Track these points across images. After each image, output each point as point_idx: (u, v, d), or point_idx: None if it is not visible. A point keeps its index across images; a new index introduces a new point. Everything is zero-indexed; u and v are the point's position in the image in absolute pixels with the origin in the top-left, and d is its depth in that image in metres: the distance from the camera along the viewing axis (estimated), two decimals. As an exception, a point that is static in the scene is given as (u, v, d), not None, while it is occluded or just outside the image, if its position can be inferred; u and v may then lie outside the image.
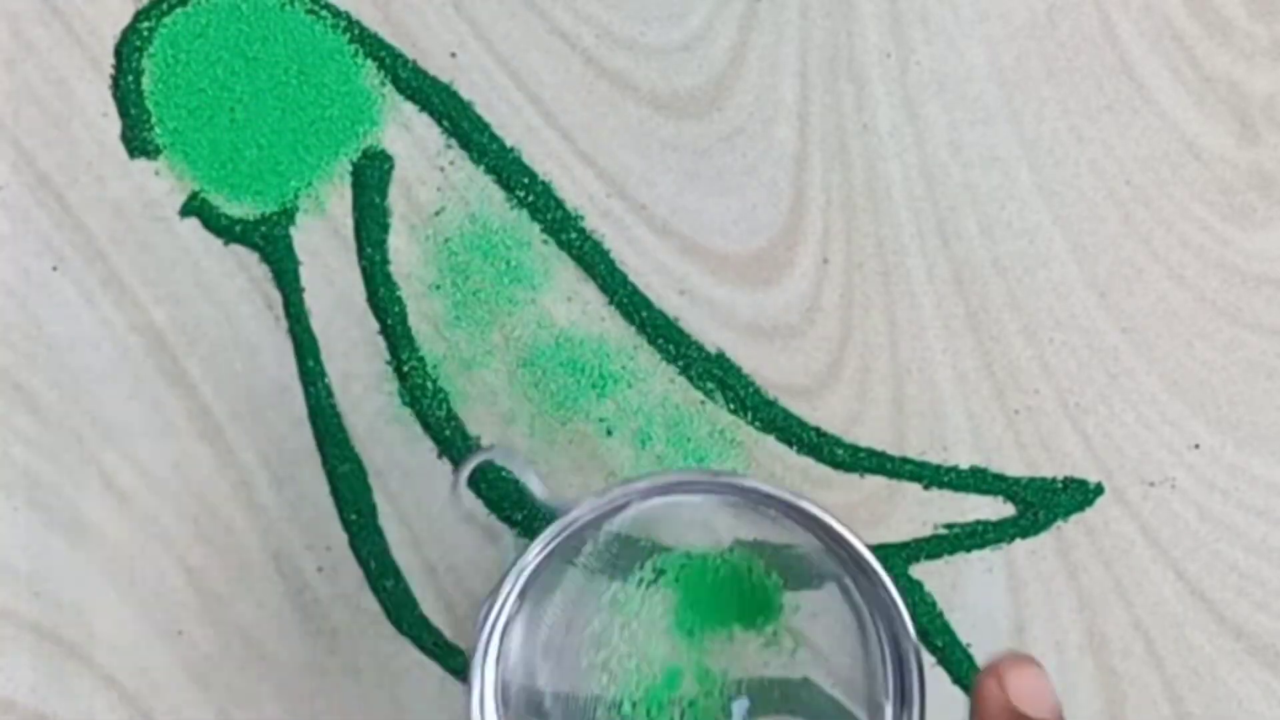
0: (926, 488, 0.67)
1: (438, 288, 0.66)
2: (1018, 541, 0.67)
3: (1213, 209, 0.67)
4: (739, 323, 0.66)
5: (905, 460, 0.66)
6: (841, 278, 0.67)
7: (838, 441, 0.66)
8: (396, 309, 0.65)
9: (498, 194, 0.66)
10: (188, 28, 0.65)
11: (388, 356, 0.65)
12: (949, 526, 0.66)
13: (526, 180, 0.66)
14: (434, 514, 0.66)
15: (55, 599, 0.64)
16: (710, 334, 0.66)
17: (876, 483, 0.66)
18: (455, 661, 0.66)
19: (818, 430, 0.66)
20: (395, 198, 0.65)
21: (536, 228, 0.66)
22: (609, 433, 0.66)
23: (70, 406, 0.64)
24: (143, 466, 0.65)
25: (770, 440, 0.66)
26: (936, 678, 0.67)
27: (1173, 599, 0.67)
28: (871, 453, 0.66)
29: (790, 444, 0.66)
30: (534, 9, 0.66)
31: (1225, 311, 0.67)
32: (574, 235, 0.66)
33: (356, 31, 0.65)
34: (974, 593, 0.67)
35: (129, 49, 0.65)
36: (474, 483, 0.66)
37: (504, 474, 0.65)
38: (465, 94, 0.66)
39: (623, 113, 0.66)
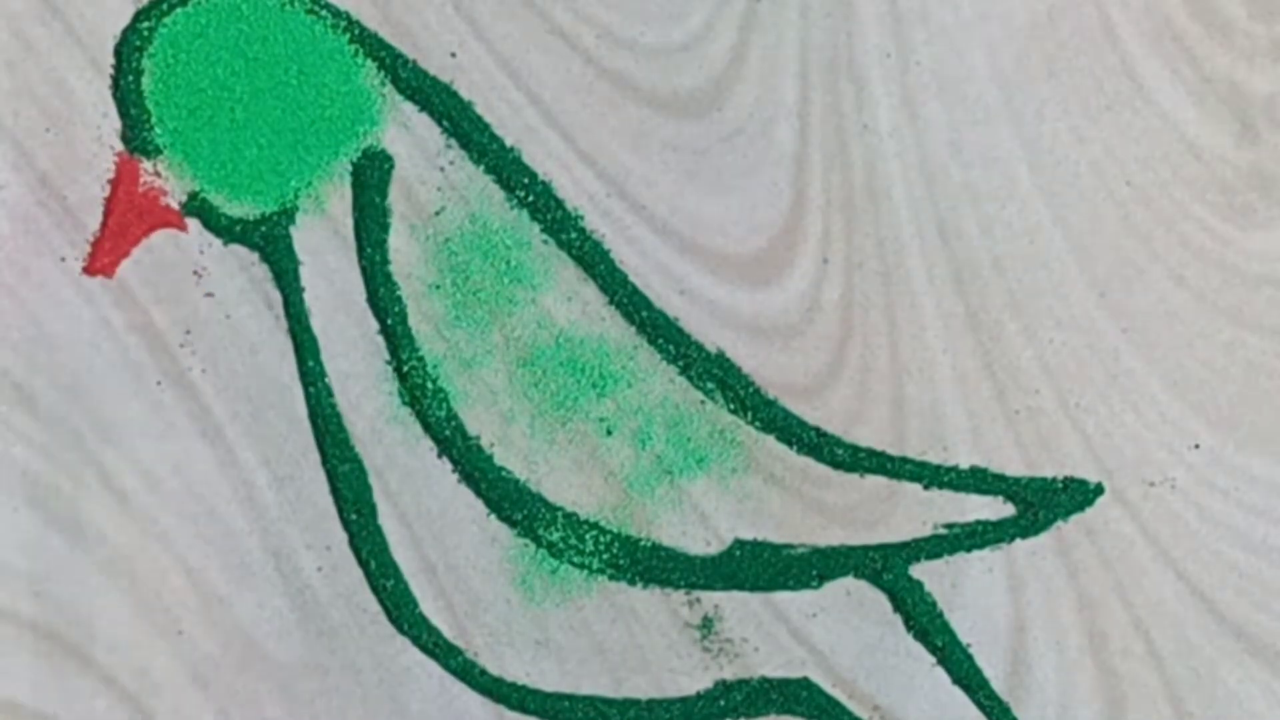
0: (926, 488, 0.67)
1: (438, 288, 0.66)
2: (1018, 541, 0.67)
3: (1213, 209, 0.68)
4: (739, 323, 0.66)
5: (905, 460, 0.66)
6: (841, 278, 0.67)
7: (838, 441, 0.66)
8: (396, 309, 0.65)
9: (498, 194, 0.66)
10: (188, 28, 0.65)
11: (388, 356, 0.65)
12: (949, 526, 0.67)
13: (526, 180, 0.66)
14: (434, 514, 0.66)
15: (55, 599, 0.64)
16: (710, 334, 0.66)
17: (876, 483, 0.67)
18: (455, 661, 0.66)
19: (818, 430, 0.66)
20: (395, 198, 0.65)
21: (536, 228, 0.66)
22: (609, 432, 0.66)
23: (70, 406, 0.64)
24: (143, 466, 0.65)
25: (770, 440, 0.66)
26: (936, 678, 0.67)
27: (1173, 599, 0.67)
28: (871, 453, 0.66)
29: (790, 444, 0.66)
30: (534, 9, 0.66)
31: (1225, 311, 0.67)
32: (574, 235, 0.66)
33: (356, 31, 0.65)
34: (974, 593, 0.67)
35: (129, 49, 0.65)
36: (474, 482, 0.66)
37: (504, 473, 0.66)
38: (465, 94, 0.66)
39: (623, 113, 0.66)
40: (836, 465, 0.66)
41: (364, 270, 0.65)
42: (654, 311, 0.66)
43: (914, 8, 0.67)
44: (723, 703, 0.66)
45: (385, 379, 0.65)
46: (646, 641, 0.66)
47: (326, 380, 0.65)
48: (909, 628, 0.67)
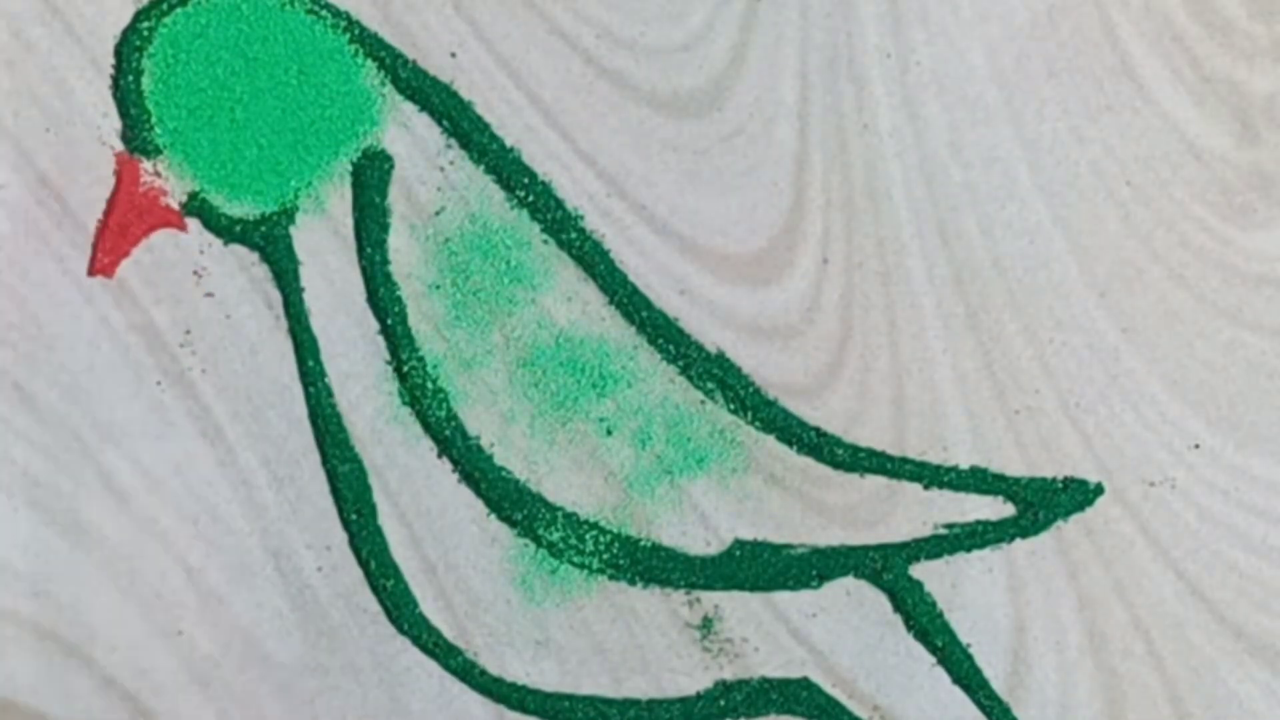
0: (926, 488, 0.67)
1: (438, 288, 0.66)
2: (1018, 541, 0.67)
3: (1213, 209, 0.68)
4: (739, 323, 0.66)
5: (905, 460, 0.66)
6: (841, 278, 0.67)
7: (838, 441, 0.66)
8: (396, 309, 0.65)
9: (498, 194, 0.66)
10: (188, 28, 0.65)
11: (388, 356, 0.65)
12: (949, 526, 0.67)
13: (526, 180, 0.66)
14: (434, 514, 0.66)
15: (55, 599, 0.64)
16: (710, 334, 0.66)
17: (876, 483, 0.67)
18: (455, 661, 0.66)
19: (818, 430, 0.66)
20: (395, 198, 0.65)
21: (536, 228, 0.66)
22: (609, 433, 0.66)
23: (70, 406, 0.64)
24: (143, 466, 0.65)
25: (770, 440, 0.66)
26: (936, 678, 0.67)
27: (1173, 599, 0.67)
28: (871, 453, 0.66)
29: (790, 444, 0.66)
30: (534, 9, 0.66)
31: (1225, 311, 0.67)
32: (574, 235, 0.66)
33: (356, 31, 0.65)
34: (974, 593, 0.67)
35: (129, 49, 0.65)
36: (474, 482, 0.66)
37: (504, 473, 0.66)
38: (465, 94, 0.66)
39: (623, 113, 0.66)
40: (836, 465, 0.66)
41: (364, 270, 0.65)
42: (654, 311, 0.66)
43: (914, 8, 0.67)
44: (723, 703, 0.66)
45: (385, 379, 0.65)
46: (646, 641, 0.66)
47: (326, 380, 0.65)
48: (909, 628, 0.67)
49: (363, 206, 0.65)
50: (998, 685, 0.67)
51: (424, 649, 0.66)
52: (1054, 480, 0.67)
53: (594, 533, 0.66)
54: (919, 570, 0.66)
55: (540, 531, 0.65)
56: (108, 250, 0.64)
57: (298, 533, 0.65)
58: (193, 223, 0.65)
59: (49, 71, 0.64)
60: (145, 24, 0.65)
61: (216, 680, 0.65)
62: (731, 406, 0.66)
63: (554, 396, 0.66)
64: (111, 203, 0.64)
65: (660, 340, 0.66)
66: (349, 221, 0.65)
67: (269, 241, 0.65)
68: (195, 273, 0.65)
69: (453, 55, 0.66)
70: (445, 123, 0.66)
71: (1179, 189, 0.68)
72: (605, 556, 0.66)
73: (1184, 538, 0.67)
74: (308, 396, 0.65)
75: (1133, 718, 0.67)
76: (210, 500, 0.65)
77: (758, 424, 0.66)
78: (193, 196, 0.65)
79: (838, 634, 0.67)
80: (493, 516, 0.66)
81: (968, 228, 0.67)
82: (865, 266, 0.67)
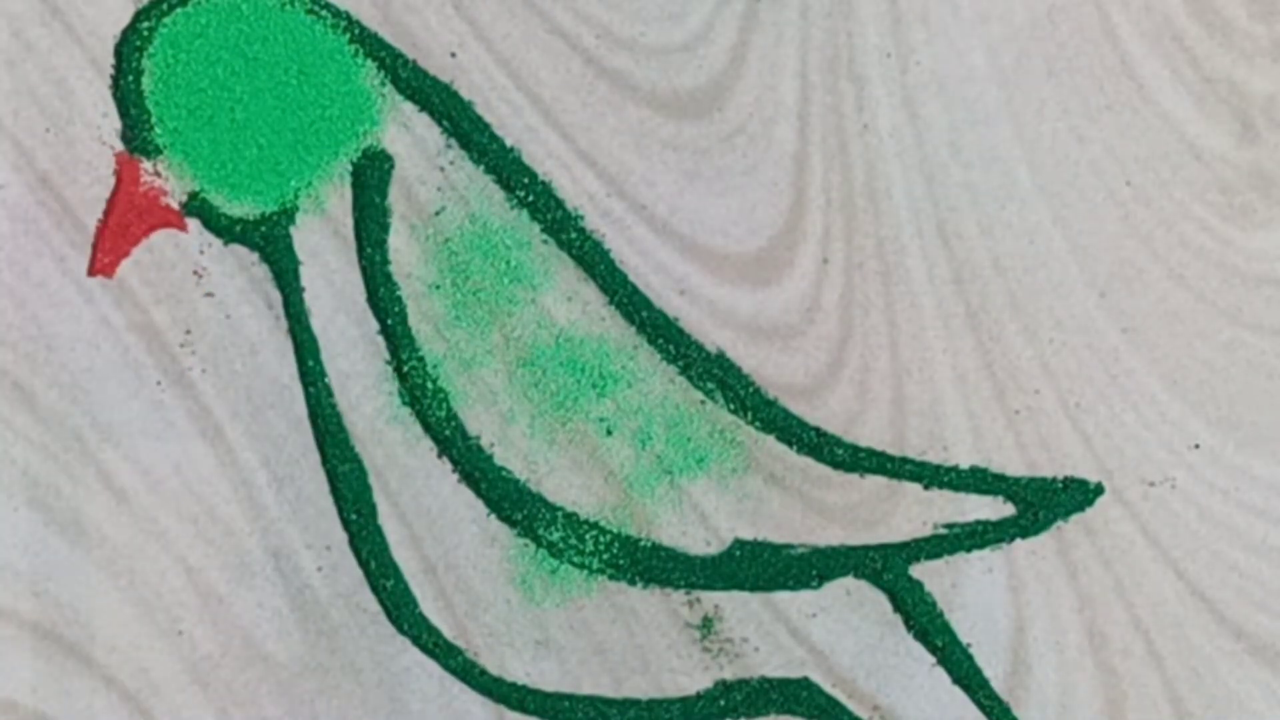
0: (926, 488, 0.67)
1: (438, 288, 0.66)
2: (1018, 541, 0.67)
3: (1213, 209, 0.68)
4: (739, 323, 0.66)
5: (905, 460, 0.66)
6: (841, 278, 0.67)
7: (838, 441, 0.66)
8: (396, 309, 0.65)
9: (498, 194, 0.66)
10: (188, 28, 0.65)
11: (388, 356, 0.65)
12: (949, 526, 0.67)
13: (526, 180, 0.66)
14: (434, 514, 0.66)
15: (55, 599, 0.64)
16: (710, 334, 0.66)
17: (876, 483, 0.67)
18: (455, 661, 0.66)
19: (818, 430, 0.66)
20: (395, 198, 0.65)
21: (536, 228, 0.66)
22: (609, 433, 0.66)
23: (70, 406, 0.64)
24: (143, 466, 0.65)
25: (770, 440, 0.66)
26: (936, 678, 0.67)
27: (1173, 599, 0.67)
28: (871, 453, 0.66)
29: (790, 444, 0.66)
30: (534, 9, 0.66)
31: (1225, 311, 0.67)
32: (574, 235, 0.66)
33: (356, 31, 0.65)
34: (974, 593, 0.67)
35: (129, 49, 0.65)
36: (474, 482, 0.66)
37: (504, 473, 0.66)
38: (465, 94, 0.66)
39: (623, 113, 0.66)
40: (836, 465, 0.66)
41: (364, 270, 0.65)
42: (654, 311, 0.66)
43: (914, 8, 0.67)
44: (723, 703, 0.66)
45: (385, 379, 0.65)
46: (646, 641, 0.66)
47: (326, 380, 0.65)
48: (909, 628, 0.67)
49: (363, 206, 0.65)
50: (998, 685, 0.67)
51: (424, 649, 0.66)
52: (1054, 480, 0.67)
53: (594, 533, 0.66)
54: (919, 570, 0.66)
55: (540, 531, 0.65)
56: (108, 250, 0.64)
57: (298, 533, 0.65)
58: (193, 223, 0.65)
59: (49, 71, 0.64)
60: (145, 24, 0.65)
61: (216, 680, 0.65)
62: (731, 406, 0.66)
63: (554, 396, 0.66)
64: (111, 203, 0.64)
65: (660, 340, 0.66)
66: (349, 221, 0.65)
67: (269, 241, 0.65)
68: (195, 273, 0.65)
69: (453, 55, 0.66)
70: (445, 123, 0.66)
71: (1179, 189, 0.68)
72: (605, 556, 0.66)
73: (1184, 538, 0.67)
74: (308, 396, 0.65)
75: (1133, 718, 0.67)
76: (210, 500, 0.65)
77: (758, 424, 0.66)
78: (193, 196, 0.65)
79: (838, 634, 0.67)
80: (493, 516, 0.66)
81: (968, 228, 0.67)
82: (865, 266, 0.67)
